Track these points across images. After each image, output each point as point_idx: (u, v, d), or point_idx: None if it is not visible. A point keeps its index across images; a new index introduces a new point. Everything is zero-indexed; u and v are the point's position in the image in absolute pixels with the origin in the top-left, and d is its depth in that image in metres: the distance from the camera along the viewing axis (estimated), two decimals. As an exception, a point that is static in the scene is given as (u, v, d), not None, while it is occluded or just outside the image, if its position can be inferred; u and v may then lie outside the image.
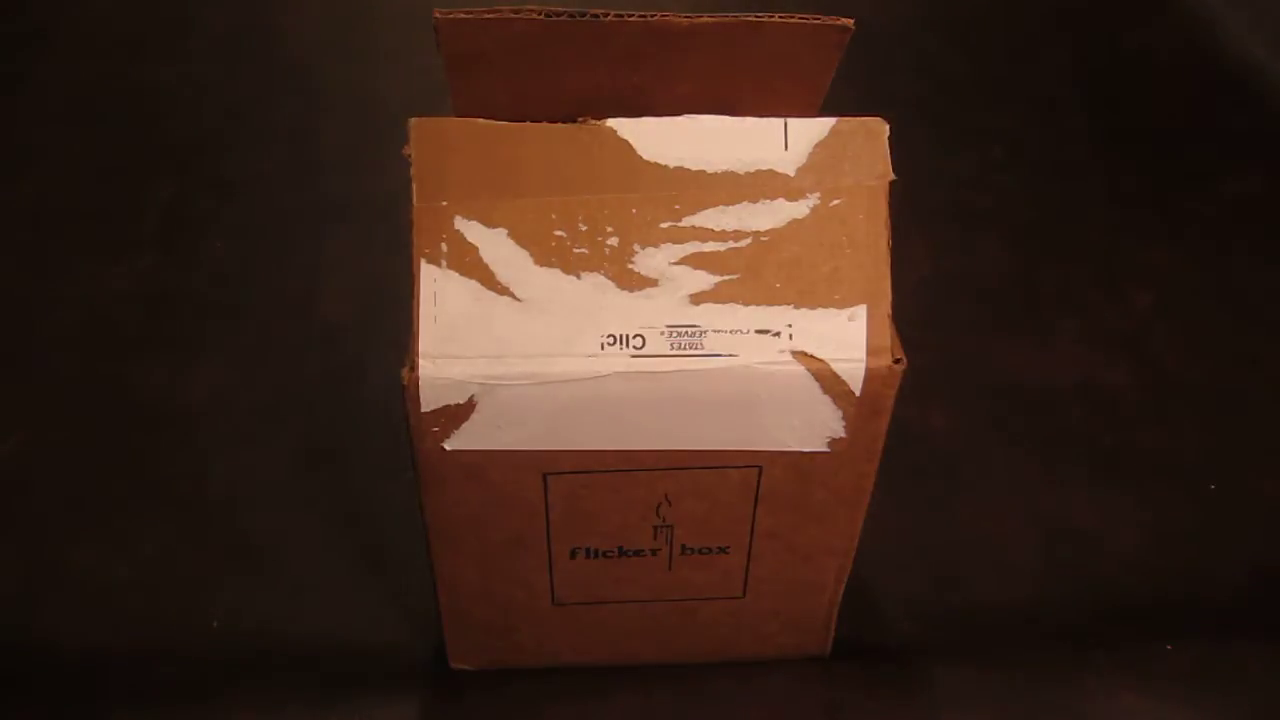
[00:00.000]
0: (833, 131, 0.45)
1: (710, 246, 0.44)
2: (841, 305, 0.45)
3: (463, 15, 0.41)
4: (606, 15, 0.41)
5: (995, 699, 0.57)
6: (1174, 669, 0.58)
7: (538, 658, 0.56)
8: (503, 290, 0.44)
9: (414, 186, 0.44)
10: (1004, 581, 0.63)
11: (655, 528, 0.50)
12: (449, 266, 0.44)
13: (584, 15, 0.41)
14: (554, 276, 0.44)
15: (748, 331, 0.44)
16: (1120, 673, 0.58)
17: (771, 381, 0.45)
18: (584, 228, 0.44)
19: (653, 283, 0.44)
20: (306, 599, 0.61)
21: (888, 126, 0.45)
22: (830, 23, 0.42)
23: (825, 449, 0.47)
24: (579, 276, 0.44)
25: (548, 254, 0.44)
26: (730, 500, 0.49)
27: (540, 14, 0.41)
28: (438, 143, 0.44)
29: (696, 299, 0.44)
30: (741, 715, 0.57)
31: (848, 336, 0.45)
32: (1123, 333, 0.79)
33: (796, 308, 0.45)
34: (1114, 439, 0.71)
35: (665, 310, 0.44)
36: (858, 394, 0.45)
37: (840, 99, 0.46)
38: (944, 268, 0.84)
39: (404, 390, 0.44)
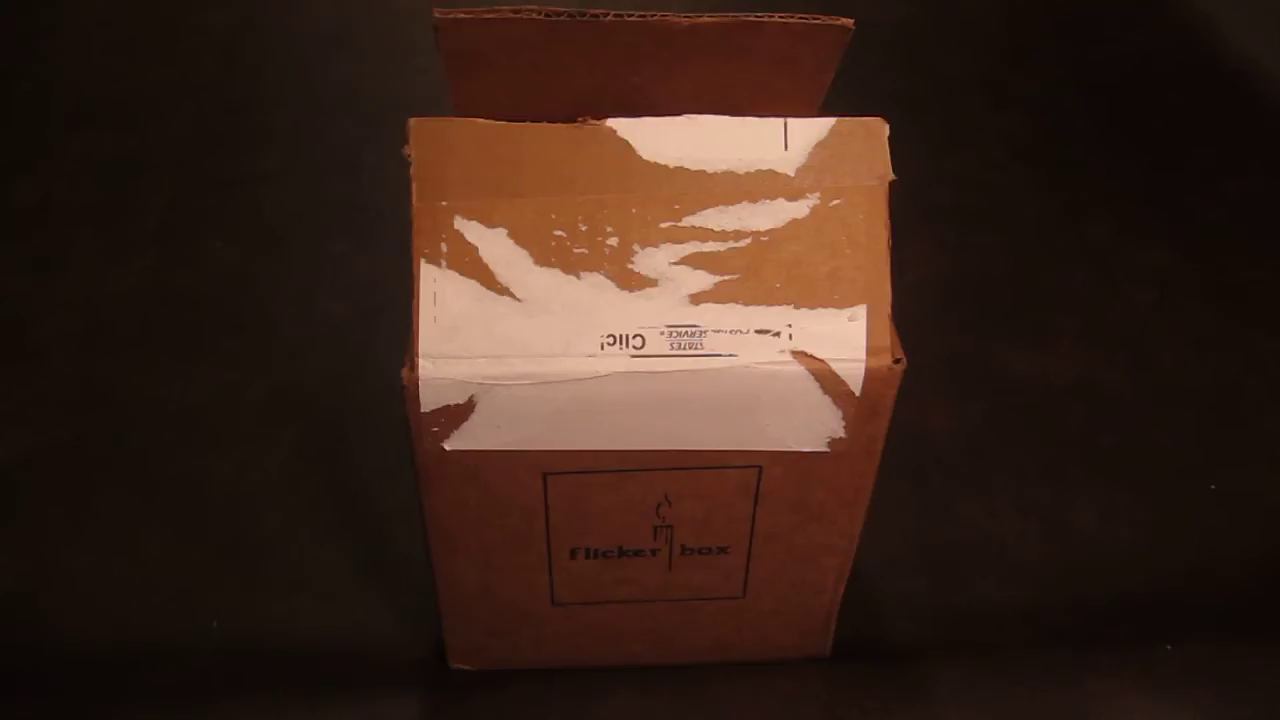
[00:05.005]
0: (833, 131, 0.45)
1: (710, 246, 0.44)
2: (841, 305, 0.45)
3: (463, 15, 0.41)
4: (606, 15, 0.41)
5: (996, 699, 0.57)
6: (1174, 669, 0.58)
7: (538, 658, 0.56)
8: (502, 290, 0.44)
9: (414, 186, 0.44)
10: (1004, 581, 0.63)
11: (655, 528, 0.50)
12: (449, 266, 0.44)
13: (584, 15, 0.41)
14: (554, 276, 0.44)
15: (748, 331, 0.44)
16: (1121, 672, 0.58)
17: (771, 381, 0.45)
18: (584, 228, 0.44)
19: (652, 283, 0.44)
20: (306, 599, 0.61)
21: (888, 126, 0.45)
22: (830, 23, 0.42)
23: (825, 449, 0.47)
24: (579, 276, 0.44)
25: (547, 254, 0.44)
26: (730, 500, 0.49)
27: (540, 14, 0.41)
28: (438, 143, 0.44)
29: (696, 299, 0.44)
30: (741, 716, 0.57)
31: (848, 336, 0.45)
32: (1123, 333, 0.79)
33: (796, 308, 0.45)
34: (1114, 438, 0.71)
35: (665, 310, 0.44)
36: (858, 394, 0.45)
37: (840, 99, 0.46)
38: (944, 268, 0.84)
39: (404, 390, 0.44)
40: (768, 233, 0.45)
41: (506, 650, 0.56)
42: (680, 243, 0.44)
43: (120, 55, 1.06)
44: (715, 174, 0.45)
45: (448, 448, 0.46)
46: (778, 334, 0.44)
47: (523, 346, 0.44)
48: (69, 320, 0.78)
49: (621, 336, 0.44)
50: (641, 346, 0.44)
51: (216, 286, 0.81)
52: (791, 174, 0.45)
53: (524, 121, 0.44)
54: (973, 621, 0.61)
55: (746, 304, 0.44)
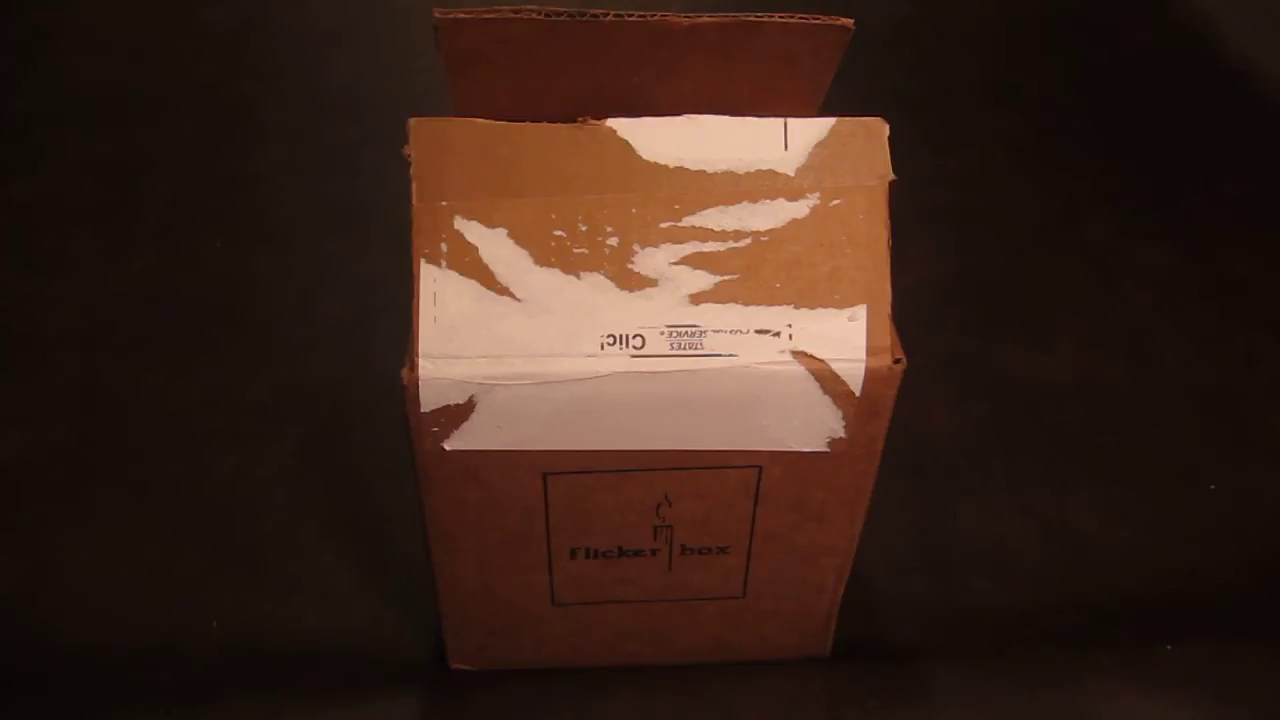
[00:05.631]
0: (833, 131, 0.45)
1: (710, 246, 0.44)
2: (841, 305, 0.45)
3: (463, 15, 0.41)
4: (606, 15, 0.41)
5: (995, 699, 0.57)
6: (1174, 669, 0.58)
7: (538, 658, 0.56)
8: (503, 290, 0.44)
9: (414, 186, 0.44)
10: (1004, 581, 0.63)
11: (655, 528, 0.50)
12: (449, 266, 0.44)
13: (584, 15, 0.41)
14: (554, 276, 0.44)
15: (748, 331, 0.44)
16: (1120, 673, 0.58)
17: (771, 381, 0.45)
18: (584, 228, 0.44)
19: (652, 283, 0.44)
20: (306, 599, 0.61)
21: (888, 126, 0.45)
22: (830, 23, 0.42)
23: (825, 449, 0.47)
24: (579, 276, 0.44)
25: (547, 254, 0.44)
26: (730, 500, 0.49)
27: (540, 14, 0.41)
28: (438, 143, 0.44)
29: (696, 299, 0.44)
30: (741, 715, 0.57)
31: (848, 336, 0.45)
32: (1123, 333, 0.79)
33: (796, 308, 0.45)
34: (1114, 439, 0.71)
35: (665, 310, 0.44)
36: (858, 394, 0.45)
37: (840, 99, 0.46)
38: (944, 268, 0.84)
39: (404, 390, 0.44)
40: (768, 233, 0.45)
41: (506, 650, 0.56)
42: (680, 243, 0.44)
43: (120, 55, 1.06)
44: (715, 174, 0.45)
45: (448, 448, 0.46)
46: (778, 334, 0.44)
47: (523, 346, 0.44)
48: (69, 320, 0.78)
49: (621, 336, 0.44)
50: (641, 346, 0.44)
51: (216, 286, 0.81)
52: (791, 174, 0.45)
53: (524, 121, 0.44)
54: (973, 621, 0.61)
55: (746, 304, 0.44)
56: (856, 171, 0.45)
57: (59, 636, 0.59)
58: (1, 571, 0.62)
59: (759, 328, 0.44)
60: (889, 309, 0.45)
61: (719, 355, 0.44)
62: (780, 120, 0.45)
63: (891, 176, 0.45)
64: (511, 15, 0.41)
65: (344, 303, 0.79)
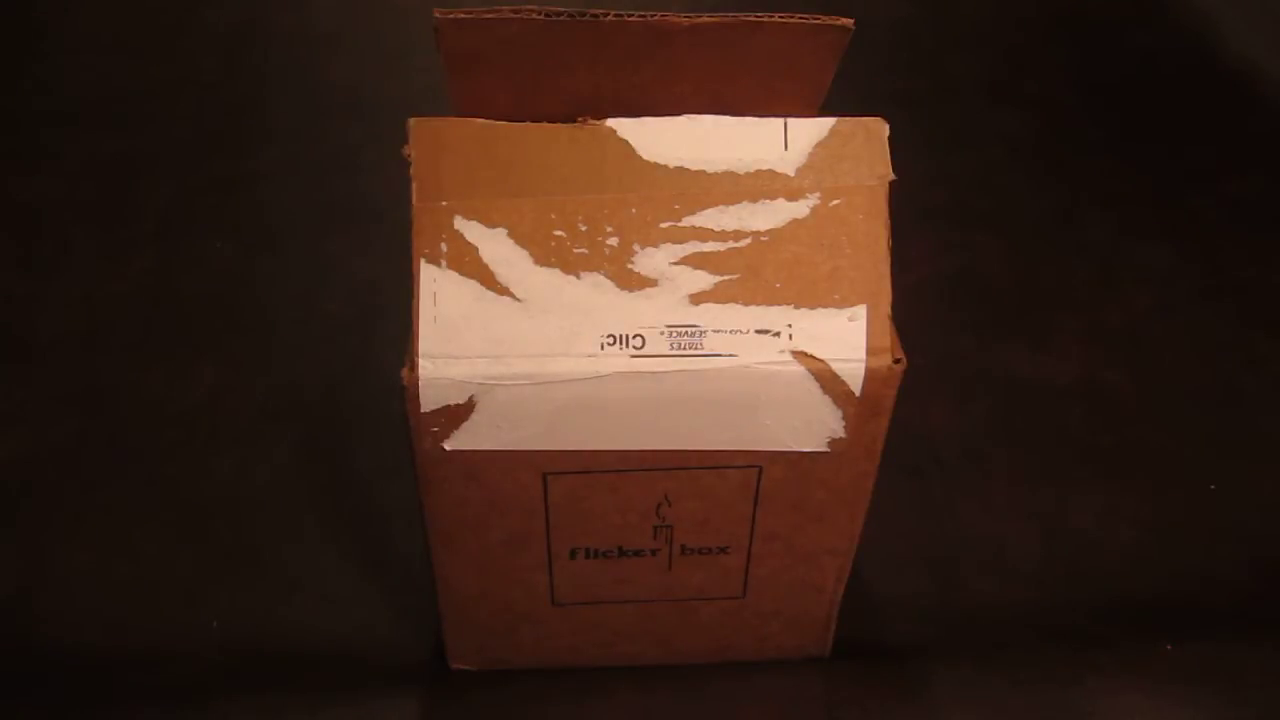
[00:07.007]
0: (833, 131, 0.45)
1: (710, 246, 0.44)
2: (841, 305, 0.45)
3: (463, 15, 0.41)
4: (606, 15, 0.41)
5: (995, 699, 0.57)
6: (1174, 669, 0.58)
7: (538, 658, 0.56)
8: (502, 290, 0.44)
9: (413, 186, 0.44)
10: (1004, 581, 0.63)
11: (655, 528, 0.50)
12: (449, 266, 0.44)
13: (584, 15, 0.41)
14: (554, 276, 0.44)
15: (748, 331, 0.44)
16: (1121, 672, 0.58)
17: (771, 381, 0.45)
18: (584, 228, 0.44)
19: (652, 283, 0.44)
20: (306, 599, 0.61)
21: (888, 126, 0.45)
22: (830, 23, 0.42)
23: (825, 449, 0.47)
24: (579, 276, 0.44)
25: (547, 254, 0.44)
26: (730, 500, 0.49)
27: (540, 14, 0.41)
28: (437, 143, 0.44)
29: (696, 299, 0.44)
30: (741, 715, 0.57)
31: (848, 336, 0.45)
32: (1123, 333, 0.79)
33: (796, 308, 0.45)
34: (1114, 438, 0.71)
35: (665, 310, 0.44)
36: (858, 394, 0.45)
37: (840, 99, 0.46)
38: (944, 268, 0.84)
39: (404, 390, 0.44)
40: (768, 233, 0.45)
41: (506, 650, 0.56)
42: (680, 243, 0.44)
43: (120, 55, 1.06)
44: (715, 174, 0.45)
45: (448, 448, 0.46)
46: (778, 334, 0.44)
47: (523, 346, 0.44)
48: (69, 320, 0.78)
49: (621, 336, 0.44)
50: (641, 346, 0.44)
51: (216, 286, 0.81)
52: (791, 174, 0.45)
53: (524, 121, 0.44)
54: (973, 621, 0.61)
55: (746, 304, 0.44)
56: (856, 171, 0.45)
57: (59, 636, 0.59)
58: (1, 571, 0.62)
59: (759, 328, 0.44)
60: (889, 309, 0.45)
61: (719, 355, 0.44)
62: (780, 120, 0.45)
63: (891, 176, 0.45)
64: (511, 15, 0.41)
65: (344, 303, 0.79)
